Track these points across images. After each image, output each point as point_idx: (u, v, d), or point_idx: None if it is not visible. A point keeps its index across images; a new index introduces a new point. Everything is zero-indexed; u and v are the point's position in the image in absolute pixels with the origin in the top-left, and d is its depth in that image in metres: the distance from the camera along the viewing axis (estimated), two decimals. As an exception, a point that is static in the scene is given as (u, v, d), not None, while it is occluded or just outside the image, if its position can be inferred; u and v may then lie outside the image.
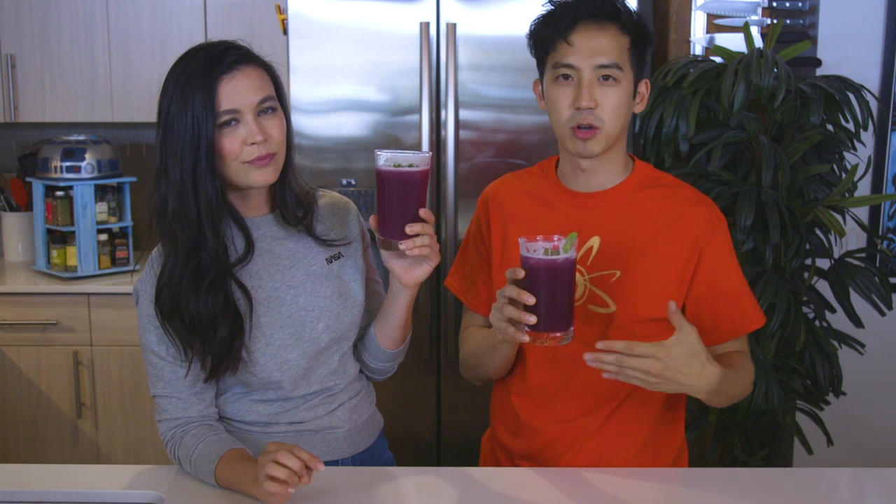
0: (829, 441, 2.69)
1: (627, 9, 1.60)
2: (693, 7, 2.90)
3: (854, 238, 3.01)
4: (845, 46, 2.97)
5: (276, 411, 1.65)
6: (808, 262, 2.57)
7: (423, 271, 1.57)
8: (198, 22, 3.19)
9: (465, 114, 2.74)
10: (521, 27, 1.73)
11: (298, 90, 2.73)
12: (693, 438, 2.50)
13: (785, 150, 2.50)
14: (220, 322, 1.54)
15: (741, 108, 2.45)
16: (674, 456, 1.74)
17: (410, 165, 1.48)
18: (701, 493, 1.57)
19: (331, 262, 1.67)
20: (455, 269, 1.84)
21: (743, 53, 2.53)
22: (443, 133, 2.74)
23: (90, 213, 3.14)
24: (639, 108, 1.65)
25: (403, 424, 2.80)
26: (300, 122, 2.74)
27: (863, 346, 2.66)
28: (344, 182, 2.77)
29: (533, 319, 1.45)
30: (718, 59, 2.67)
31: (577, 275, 1.65)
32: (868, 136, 2.89)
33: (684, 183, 1.73)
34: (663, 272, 1.62)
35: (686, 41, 2.92)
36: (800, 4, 2.90)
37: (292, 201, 1.64)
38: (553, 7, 1.62)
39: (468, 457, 1.99)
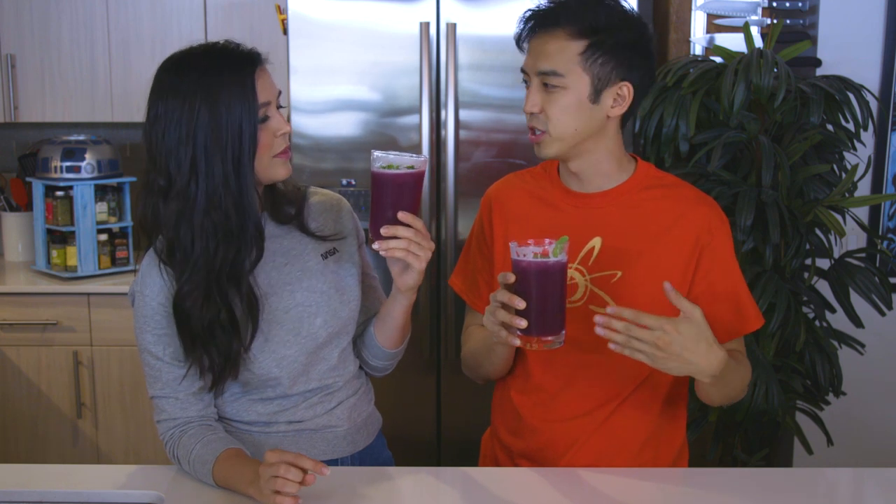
0: (829, 441, 2.69)
1: (580, 12, 1.56)
2: (693, 7, 2.90)
3: (854, 238, 3.01)
4: (845, 46, 2.97)
5: (275, 410, 1.65)
6: (808, 262, 2.57)
7: (408, 276, 1.58)
8: (198, 22, 3.19)
9: (465, 114, 2.74)
10: (521, 27, 1.73)
11: (298, 90, 2.73)
12: (693, 438, 2.50)
13: (785, 150, 2.50)
14: (234, 323, 1.54)
15: (741, 108, 2.45)
16: (674, 456, 1.74)
17: (389, 167, 1.50)
18: (701, 493, 1.57)
19: (326, 257, 1.68)
20: (458, 269, 1.84)
21: (743, 53, 2.53)
22: (443, 133, 2.73)
23: (90, 213, 3.14)
24: (616, 111, 1.60)
25: (403, 424, 2.80)
26: (300, 122, 2.74)
27: (863, 346, 2.66)
28: (344, 182, 2.77)
29: (524, 323, 1.45)
30: (718, 59, 2.67)
31: (578, 275, 1.65)
32: (868, 136, 2.89)
33: (686, 183, 1.72)
34: (664, 273, 1.62)
35: (686, 41, 2.92)
36: (800, 4, 2.90)
37: (282, 199, 1.65)
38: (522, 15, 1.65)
39: (468, 457, 1.99)
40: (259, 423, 1.66)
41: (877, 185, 3.07)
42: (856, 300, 2.57)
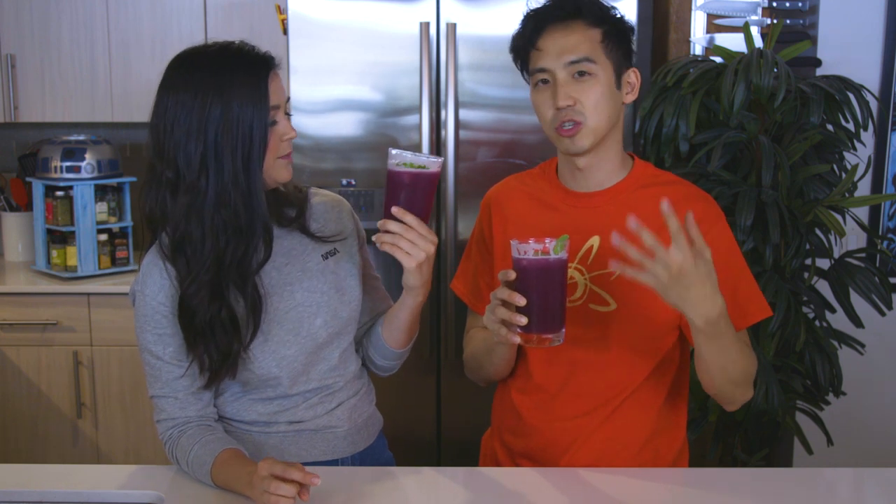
0: (829, 441, 2.69)
1: (591, 2, 1.61)
2: (693, 7, 2.90)
3: (854, 238, 3.01)
4: (845, 46, 2.97)
5: (276, 410, 1.65)
6: (808, 262, 2.57)
7: (405, 274, 1.59)
8: (198, 22, 3.19)
9: (465, 114, 2.74)
10: (521, 27, 1.73)
11: (298, 90, 2.73)
12: (693, 438, 2.50)
13: (785, 150, 2.50)
14: (224, 326, 1.54)
15: (741, 108, 2.45)
16: (674, 456, 1.74)
17: (401, 165, 1.53)
18: (701, 493, 1.57)
19: (326, 258, 1.68)
20: (460, 272, 1.85)
21: (743, 53, 2.53)
22: (443, 133, 2.73)
23: (90, 213, 3.14)
24: (629, 97, 1.65)
25: (403, 424, 2.80)
26: (300, 122, 2.74)
27: (863, 346, 2.66)
28: (344, 182, 2.77)
29: (524, 321, 1.45)
30: (718, 59, 2.67)
31: (578, 274, 1.65)
32: (868, 136, 2.89)
33: (683, 180, 1.73)
34: None
35: (686, 41, 2.92)
36: (800, 4, 2.90)
37: (283, 202, 1.65)
38: (523, 18, 1.64)
39: (468, 457, 1.99)
40: (259, 423, 1.66)
41: (877, 185, 3.07)
42: (856, 300, 2.57)
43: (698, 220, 1.62)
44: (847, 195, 2.49)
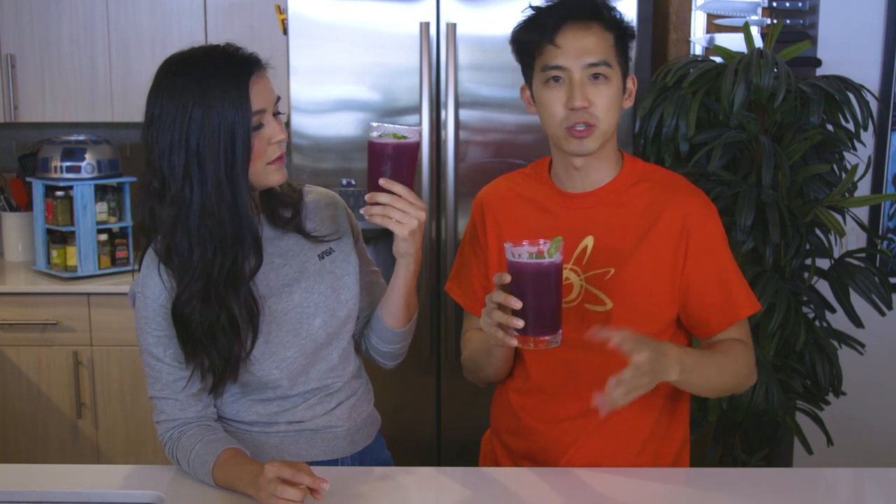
0: (829, 441, 2.68)
1: (609, 6, 1.62)
2: (693, 7, 2.90)
3: (854, 238, 3.01)
4: (845, 46, 2.97)
5: (275, 411, 1.65)
6: (808, 262, 2.57)
7: (397, 242, 1.58)
8: (198, 22, 3.19)
9: (465, 114, 2.74)
10: (521, 27, 1.73)
11: (298, 90, 2.73)
12: (693, 438, 2.50)
13: (785, 150, 2.50)
14: (236, 326, 1.54)
15: (741, 108, 2.45)
16: (674, 456, 1.74)
17: (382, 136, 1.53)
18: (701, 493, 1.57)
19: (322, 258, 1.67)
20: (454, 274, 1.85)
21: (743, 53, 2.53)
22: (443, 133, 2.73)
23: (90, 213, 3.14)
24: (627, 103, 1.66)
25: (403, 424, 2.80)
26: (300, 122, 2.74)
27: (863, 346, 2.66)
28: (344, 182, 2.77)
29: (520, 324, 1.45)
30: (718, 59, 2.67)
31: (573, 274, 1.65)
32: (868, 136, 2.89)
33: (673, 174, 1.73)
34: (656, 266, 1.63)
35: (686, 41, 2.92)
36: (800, 4, 2.90)
37: (279, 203, 1.64)
38: (535, 12, 1.63)
39: (468, 457, 1.99)
40: (259, 424, 1.66)
41: (877, 185, 3.07)
42: (856, 300, 2.57)
43: (686, 213, 1.63)
44: (847, 195, 2.49)
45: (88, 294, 3.06)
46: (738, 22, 2.86)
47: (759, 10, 2.89)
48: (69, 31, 3.22)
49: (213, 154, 1.48)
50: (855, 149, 2.58)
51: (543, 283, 1.45)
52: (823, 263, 2.69)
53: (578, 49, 1.57)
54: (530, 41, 1.62)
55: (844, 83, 2.55)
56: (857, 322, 2.58)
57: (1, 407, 3.11)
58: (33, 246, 3.34)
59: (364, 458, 1.74)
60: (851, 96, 2.53)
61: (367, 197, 1.53)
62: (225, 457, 1.52)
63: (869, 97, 2.65)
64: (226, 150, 1.48)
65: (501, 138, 2.76)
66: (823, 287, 2.68)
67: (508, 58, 1.70)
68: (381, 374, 1.90)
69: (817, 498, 1.60)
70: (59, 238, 3.18)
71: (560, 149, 1.65)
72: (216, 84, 1.48)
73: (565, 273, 1.65)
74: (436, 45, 2.71)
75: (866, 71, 2.98)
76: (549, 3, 1.62)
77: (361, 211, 1.54)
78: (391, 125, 1.53)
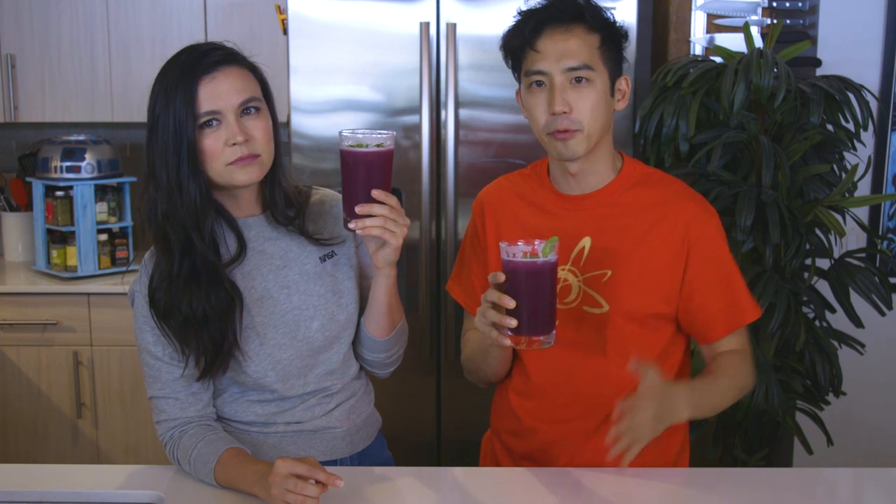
0: (829, 441, 2.68)
1: (593, 7, 1.59)
2: (693, 7, 2.90)
3: (854, 238, 3.01)
4: (845, 46, 2.96)
5: (274, 411, 1.65)
6: (808, 262, 2.57)
7: (385, 252, 1.56)
8: (198, 22, 3.19)
9: (465, 114, 2.74)
10: (521, 27, 1.73)
11: (298, 90, 2.73)
12: (693, 438, 2.50)
13: (785, 150, 2.50)
14: (213, 319, 1.54)
15: (741, 108, 2.45)
16: (674, 456, 1.74)
17: (359, 145, 1.50)
18: (701, 493, 1.57)
19: (324, 260, 1.67)
20: (454, 275, 1.85)
21: (743, 53, 2.53)
22: (443, 133, 2.73)
23: (90, 213, 3.14)
24: (620, 105, 1.64)
25: (403, 424, 2.80)
26: (300, 122, 2.74)
27: (863, 346, 2.66)
28: (344, 182, 2.76)
29: (513, 323, 1.45)
30: (718, 59, 2.67)
31: (572, 276, 1.65)
32: (868, 136, 2.89)
33: (673, 178, 1.73)
34: (654, 269, 1.63)
35: (686, 41, 2.92)
36: (800, 4, 2.90)
37: (282, 202, 1.64)
38: (520, 16, 1.62)
39: (468, 457, 1.99)
40: (258, 424, 1.66)
41: (877, 185, 3.07)
42: (856, 300, 2.57)
43: (688, 220, 1.63)
44: (847, 195, 2.49)
45: (88, 294, 3.06)
46: (738, 22, 2.86)
47: (759, 10, 2.89)
48: (69, 31, 3.22)
49: (163, 154, 1.51)
50: (855, 149, 2.58)
51: (537, 283, 1.45)
52: (823, 263, 2.69)
53: (558, 53, 1.56)
54: (514, 46, 1.62)
55: (844, 83, 2.55)
56: (857, 322, 2.58)
57: (1, 407, 3.11)
58: (33, 246, 3.34)
59: (364, 458, 1.74)
60: (851, 96, 2.53)
61: (358, 209, 1.49)
62: (227, 456, 1.52)
63: (869, 97, 2.65)
64: (173, 151, 1.50)
65: (501, 138, 2.76)
66: (823, 287, 2.68)
67: (509, 58, 1.70)
68: (381, 374, 1.90)
69: (817, 498, 1.60)
70: (59, 238, 3.18)
71: (549, 153, 1.65)
72: (173, 85, 1.51)
73: (564, 274, 1.65)
74: (436, 45, 2.71)
75: (866, 71, 2.98)
76: (532, 8, 1.60)
77: (351, 225, 1.50)
78: (363, 133, 1.50)
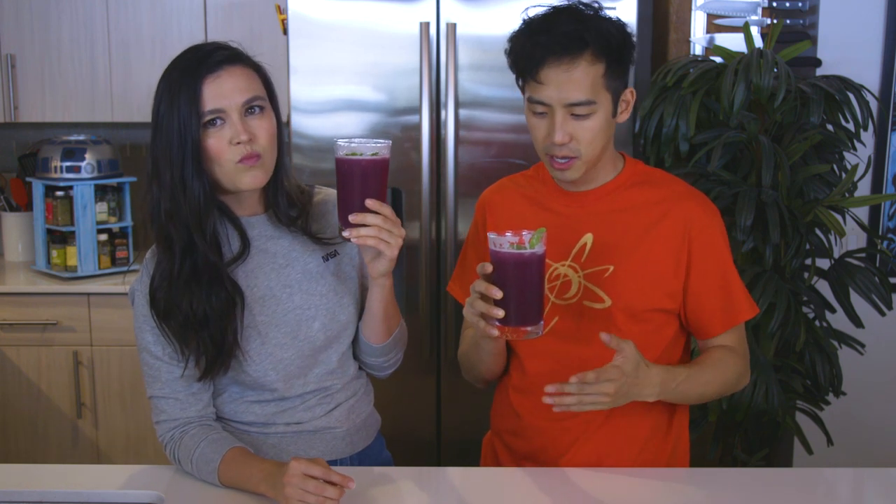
0: (829, 441, 2.69)
1: (598, 34, 1.55)
2: (693, 7, 2.90)
3: (854, 238, 3.01)
4: (845, 46, 2.96)
5: (274, 411, 1.65)
6: (808, 262, 2.57)
7: (380, 263, 1.55)
8: (198, 22, 3.19)
9: (465, 114, 2.74)
10: (521, 27, 1.73)
11: (298, 90, 2.73)
12: (693, 438, 2.50)
13: (785, 150, 2.50)
14: (214, 319, 1.54)
15: (741, 108, 2.45)
16: (674, 455, 1.75)
17: (354, 154, 1.49)
18: (701, 493, 1.57)
19: (327, 259, 1.67)
20: (456, 275, 1.85)
21: (743, 53, 2.53)
22: (443, 133, 2.73)
23: (90, 213, 3.14)
24: (622, 117, 1.63)
25: (403, 424, 2.80)
26: (300, 122, 2.74)
27: (863, 346, 2.66)
28: (344, 182, 2.76)
29: (500, 313, 1.46)
30: (718, 59, 2.67)
31: (572, 272, 1.66)
32: (868, 136, 2.89)
33: (675, 178, 1.74)
34: (655, 265, 1.64)
35: (686, 41, 2.92)
36: (800, 4, 2.90)
37: (284, 201, 1.64)
38: (527, 32, 1.58)
39: (468, 457, 1.99)
40: (257, 424, 1.66)
41: (877, 185, 3.07)
42: (856, 300, 2.57)
43: (689, 218, 1.63)
44: (847, 195, 2.49)
45: (88, 294, 3.06)
46: (738, 22, 2.86)
47: (759, 10, 2.89)
48: (69, 31, 3.22)
49: (167, 153, 1.51)
50: (855, 149, 2.58)
51: (524, 274, 1.45)
52: (823, 263, 2.69)
53: (560, 86, 1.54)
54: (518, 68, 1.60)
55: (844, 83, 2.55)
56: (857, 322, 2.58)
57: (1, 407, 3.11)
58: (33, 246, 3.34)
59: (364, 458, 1.74)
60: (851, 96, 2.53)
61: (352, 218, 1.48)
62: (231, 455, 1.52)
63: (869, 97, 2.65)
64: (177, 150, 1.50)
65: (501, 138, 2.76)
66: (823, 287, 2.68)
67: (509, 58, 1.70)
68: (381, 374, 1.90)
69: (817, 498, 1.60)
70: (59, 238, 3.18)
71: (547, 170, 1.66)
72: (177, 84, 1.51)
73: (564, 270, 1.66)
74: (436, 45, 2.71)
75: (866, 71, 2.98)
76: (538, 30, 1.56)
77: (345, 234, 1.49)
78: (358, 142, 1.49)
